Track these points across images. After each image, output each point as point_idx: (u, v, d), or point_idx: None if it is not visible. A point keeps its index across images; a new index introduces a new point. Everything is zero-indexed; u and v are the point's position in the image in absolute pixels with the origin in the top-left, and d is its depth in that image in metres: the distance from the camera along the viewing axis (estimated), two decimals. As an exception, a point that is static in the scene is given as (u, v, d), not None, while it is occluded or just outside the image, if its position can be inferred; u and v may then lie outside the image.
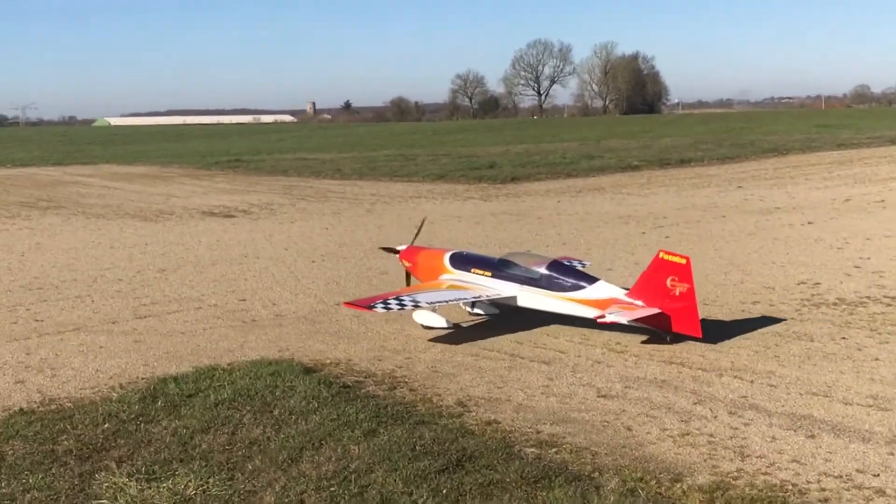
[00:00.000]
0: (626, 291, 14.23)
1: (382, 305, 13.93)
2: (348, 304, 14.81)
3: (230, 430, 10.70)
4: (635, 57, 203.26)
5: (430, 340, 14.84)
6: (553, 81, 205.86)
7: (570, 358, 13.73)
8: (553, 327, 15.28)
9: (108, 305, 18.35)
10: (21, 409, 11.62)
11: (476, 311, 15.88)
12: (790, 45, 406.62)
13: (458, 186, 44.17)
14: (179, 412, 11.36)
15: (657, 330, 13.79)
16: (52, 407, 11.83)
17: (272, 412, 11.24)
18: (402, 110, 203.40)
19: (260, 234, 28.93)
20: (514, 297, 14.91)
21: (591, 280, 14.60)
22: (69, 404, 11.97)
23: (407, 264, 16.74)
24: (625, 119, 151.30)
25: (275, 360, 13.67)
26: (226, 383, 12.37)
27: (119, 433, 10.70)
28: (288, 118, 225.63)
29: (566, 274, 14.79)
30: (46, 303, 18.71)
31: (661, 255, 13.78)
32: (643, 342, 14.15)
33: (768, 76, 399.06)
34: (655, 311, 13.47)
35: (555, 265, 14.97)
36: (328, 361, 13.77)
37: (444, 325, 14.82)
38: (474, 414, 11.31)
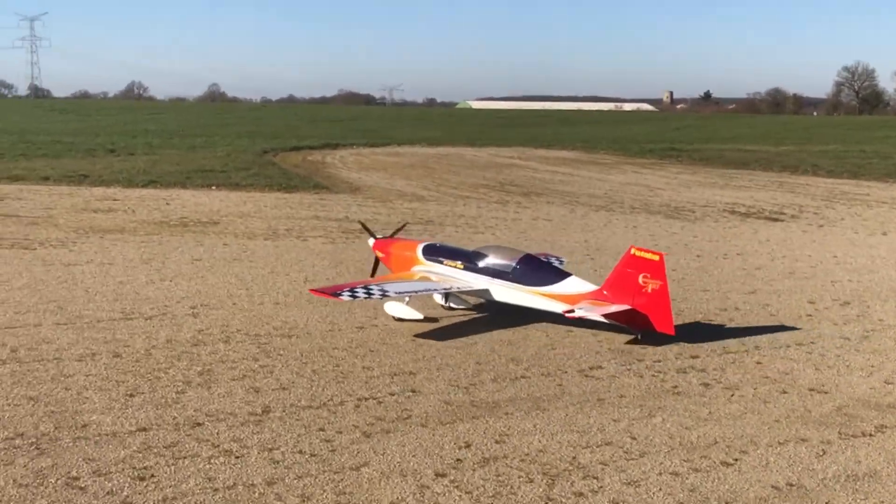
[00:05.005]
0: (597, 288, 13.66)
1: (349, 293, 13.35)
2: (314, 290, 14.11)
3: None
4: None
5: None
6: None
7: None
8: None
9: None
10: None
11: (450, 304, 15.27)
12: None
13: None
14: None
15: (628, 327, 13.22)
16: None
17: None
18: (776, 102, 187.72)
19: (866, 250, 22.37)
20: (486, 291, 14.49)
21: (563, 275, 14.20)
22: None
23: (380, 255, 16.19)
24: None
25: None
26: None
27: None
28: (647, 107, 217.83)
29: (537, 268, 14.41)
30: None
31: (633, 251, 13.18)
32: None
33: None
34: (626, 307, 12.94)
35: (526, 259, 14.53)
36: None
37: (417, 317, 14.25)
38: None
